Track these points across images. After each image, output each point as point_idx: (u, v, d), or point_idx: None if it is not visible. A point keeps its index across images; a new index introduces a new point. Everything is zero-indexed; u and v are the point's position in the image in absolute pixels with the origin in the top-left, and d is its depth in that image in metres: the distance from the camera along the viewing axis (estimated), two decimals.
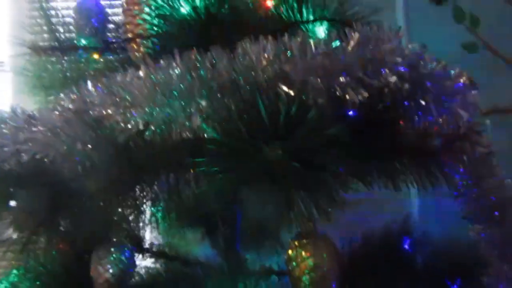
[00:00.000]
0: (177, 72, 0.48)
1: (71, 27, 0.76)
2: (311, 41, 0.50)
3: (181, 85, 0.48)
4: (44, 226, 0.61)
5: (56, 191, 0.60)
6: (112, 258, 0.67)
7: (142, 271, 0.87)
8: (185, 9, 0.67)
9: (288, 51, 0.49)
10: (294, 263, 0.51)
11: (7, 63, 1.12)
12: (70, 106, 0.54)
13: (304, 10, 0.81)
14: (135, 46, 0.68)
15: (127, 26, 0.68)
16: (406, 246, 0.81)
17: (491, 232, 0.78)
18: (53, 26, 0.75)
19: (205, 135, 0.48)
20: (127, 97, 0.51)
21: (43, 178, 0.60)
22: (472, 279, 0.73)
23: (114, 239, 0.69)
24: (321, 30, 0.62)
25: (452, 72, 0.63)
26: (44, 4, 0.79)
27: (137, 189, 0.57)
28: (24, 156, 0.60)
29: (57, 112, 0.55)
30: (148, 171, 0.54)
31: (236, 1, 0.69)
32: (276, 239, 1.06)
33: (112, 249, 0.67)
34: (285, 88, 0.47)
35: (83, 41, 0.74)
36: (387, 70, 0.52)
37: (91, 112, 0.52)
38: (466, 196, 0.84)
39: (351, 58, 0.51)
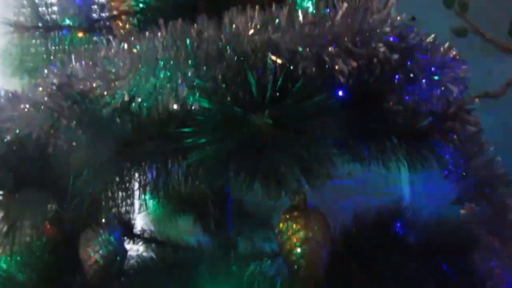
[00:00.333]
0: (162, 42, 0.47)
1: (55, 7, 0.74)
2: (299, 11, 0.49)
3: (166, 55, 0.47)
4: (30, 207, 0.60)
5: (41, 170, 0.58)
6: (101, 240, 0.65)
7: (133, 257, 0.86)
8: None
9: (276, 20, 0.48)
10: (285, 236, 0.51)
11: None
12: (54, 81, 0.52)
13: None
14: (120, 24, 0.67)
15: (112, 3, 0.66)
16: (398, 227, 0.81)
17: (481, 209, 0.79)
18: (37, 6, 0.73)
19: (192, 106, 0.48)
20: (112, 69, 0.50)
21: (28, 157, 0.59)
22: (463, 257, 0.73)
23: (103, 221, 0.67)
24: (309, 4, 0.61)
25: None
26: None
27: (124, 169, 0.56)
28: (7, 135, 0.59)
29: (40, 88, 0.54)
30: (135, 147, 0.53)
31: None
32: (267, 224, 1.06)
33: (101, 231, 0.66)
34: (273, 57, 0.47)
35: (68, 21, 0.73)
36: (376, 40, 0.51)
37: (75, 86, 0.51)
38: (456, 174, 0.84)
39: (339, 27, 0.51)
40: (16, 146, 0.59)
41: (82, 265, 0.69)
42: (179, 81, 0.47)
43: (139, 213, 1.13)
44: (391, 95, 0.63)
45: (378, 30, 0.52)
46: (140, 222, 1.06)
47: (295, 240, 0.50)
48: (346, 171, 0.71)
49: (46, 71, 0.55)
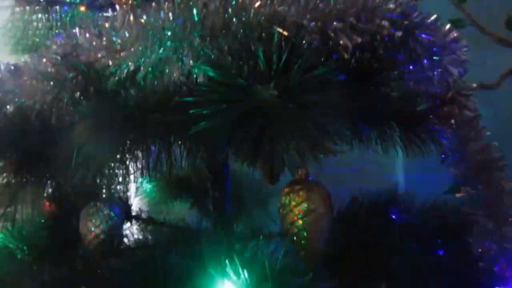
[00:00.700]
0: (169, 12, 0.47)
1: None
2: None
3: (173, 25, 0.47)
4: (31, 180, 0.60)
5: (43, 143, 0.59)
6: (101, 214, 0.66)
7: (131, 237, 0.86)
8: None
9: None
10: (287, 209, 0.51)
11: None
12: (59, 51, 0.52)
13: None
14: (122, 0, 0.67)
15: None
16: (394, 208, 0.82)
17: (477, 192, 0.80)
18: None
19: (198, 77, 0.48)
20: (117, 40, 0.50)
21: (30, 129, 0.59)
22: (458, 237, 0.74)
23: (104, 196, 0.68)
24: None
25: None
26: None
27: (128, 141, 0.56)
28: (10, 107, 0.59)
29: (44, 59, 0.54)
30: (139, 118, 0.53)
31: None
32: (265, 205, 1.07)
33: (101, 206, 0.67)
34: (279, 30, 0.47)
35: None
36: (380, 17, 0.52)
37: (80, 56, 0.51)
38: (453, 158, 0.85)
39: (344, 3, 0.51)
40: (18, 119, 0.59)
41: (82, 240, 0.69)
42: (185, 52, 0.47)
43: (135, 197, 1.14)
44: (393, 75, 0.64)
45: (382, 7, 0.52)
46: (136, 207, 1.06)
47: (297, 212, 0.51)
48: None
49: (49, 42, 0.55)
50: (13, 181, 0.59)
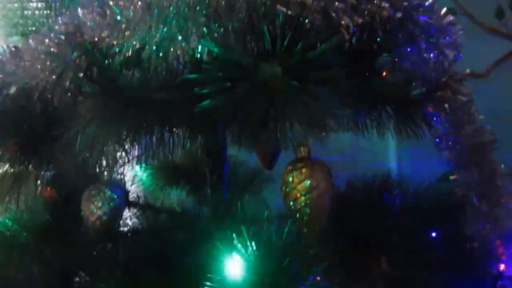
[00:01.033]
0: None
1: None
2: None
3: (179, 3, 0.47)
4: (34, 161, 0.60)
5: (46, 124, 0.59)
6: (103, 196, 0.66)
7: (130, 223, 0.87)
8: None
9: None
10: (290, 186, 0.52)
11: None
12: (62, 29, 0.52)
13: None
14: None
15: None
16: (389, 190, 0.83)
17: (470, 174, 0.82)
18: None
19: (203, 55, 0.48)
20: (122, 18, 0.50)
21: (32, 110, 0.59)
22: (452, 218, 0.76)
23: (106, 178, 0.68)
24: None
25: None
26: None
27: (132, 121, 0.57)
28: (11, 88, 0.59)
29: (47, 39, 0.54)
30: (144, 98, 0.54)
31: None
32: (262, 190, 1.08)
33: (103, 187, 0.67)
34: (283, 9, 0.48)
35: None
36: None
37: (84, 35, 0.51)
38: (447, 142, 0.87)
39: None
40: (20, 100, 0.59)
41: (83, 224, 0.69)
42: (190, 31, 0.48)
43: (132, 184, 1.14)
44: (391, 57, 0.65)
45: None
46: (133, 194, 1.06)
47: (300, 189, 0.52)
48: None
49: (52, 22, 0.55)
50: (16, 163, 0.59)
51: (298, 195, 0.52)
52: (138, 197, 1.02)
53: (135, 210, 0.99)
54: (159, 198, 1.05)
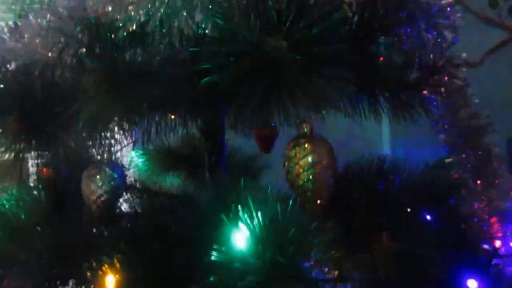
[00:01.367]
0: None
1: None
2: None
3: None
4: (36, 136, 0.60)
5: (47, 100, 0.58)
6: (104, 175, 0.66)
7: (126, 206, 0.86)
8: None
9: None
10: (292, 162, 0.53)
11: None
12: (65, 3, 0.52)
13: None
14: None
15: None
16: (386, 173, 0.84)
17: (466, 157, 0.83)
18: None
19: (207, 30, 0.49)
20: None
21: (34, 87, 0.58)
22: (448, 199, 0.77)
23: (106, 158, 0.68)
24: None
25: None
26: None
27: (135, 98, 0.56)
28: (12, 65, 0.58)
29: (48, 14, 0.54)
30: (146, 75, 0.54)
31: None
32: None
33: (104, 167, 0.67)
34: None
35: None
36: None
37: (87, 10, 0.51)
38: (443, 125, 0.88)
39: None
40: (21, 77, 0.58)
41: (82, 204, 0.69)
42: (194, 5, 0.48)
43: (128, 170, 1.13)
44: (391, 37, 0.65)
45: None
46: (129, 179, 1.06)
47: (302, 164, 0.52)
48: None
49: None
50: (17, 140, 0.59)
51: (301, 170, 0.52)
52: (135, 181, 1.02)
53: (133, 194, 0.99)
54: (156, 182, 1.05)
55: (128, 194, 0.98)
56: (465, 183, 0.79)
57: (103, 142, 0.66)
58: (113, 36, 0.51)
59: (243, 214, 0.45)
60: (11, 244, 0.66)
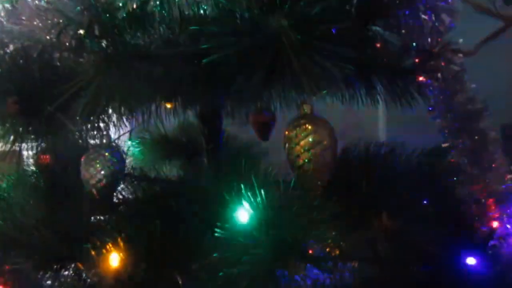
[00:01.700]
0: None
1: None
2: None
3: None
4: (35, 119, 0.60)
5: (46, 82, 0.58)
6: (103, 159, 0.66)
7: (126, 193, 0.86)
8: None
9: None
10: (293, 143, 0.53)
11: None
12: None
13: None
14: None
15: None
16: (384, 156, 0.84)
17: (463, 141, 0.84)
18: None
19: (207, 10, 0.48)
20: None
21: (32, 69, 0.58)
22: (444, 182, 0.78)
23: (105, 142, 0.68)
24: None
25: None
26: None
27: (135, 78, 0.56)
28: (10, 47, 0.58)
29: None
30: (146, 55, 0.54)
31: None
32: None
33: (103, 151, 0.67)
34: None
35: None
36: None
37: None
38: (439, 110, 0.89)
39: None
40: (20, 59, 0.58)
41: (82, 188, 0.69)
42: None
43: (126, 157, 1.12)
44: (391, 20, 0.66)
45: None
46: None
47: (303, 145, 0.52)
48: None
49: None
50: (16, 122, 0.58)
51: (302, 151, 0.52)
52: (133, 169, 1.02)
53: (132, 182, 0.99)
54: (153, 170, 1.05)
55: (127, 183, 0.98)
56: (461, 167, 0.80)
57: (101, 127, 0.66)
58: (113, 16, 0.51)
59: (246, 192, 0.45)
60: (11, 227, 0.66)
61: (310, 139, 0.52)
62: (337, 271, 0.54)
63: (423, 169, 0.80)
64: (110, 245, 0.50)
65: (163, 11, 0.49)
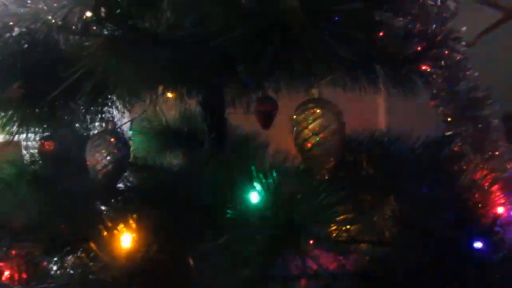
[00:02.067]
0: None
1: None
2: None
3: None
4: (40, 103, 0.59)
5: (51, 65, 0.57)
6: (108, 145, 0.65)
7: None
8: None
9: None
10: (301, 126, 0.53)
11: None
12: None
13: None
14: None
15: None
16: (388, 143, 0.84)
17: (466, 128, 0.84)
18: None
19: None
20: None
21: (37, 53, 0.57)
22: (448, 169, 0.78)
23: (109, 127, 0.67)
24: None
25: None
26: None
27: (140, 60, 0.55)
28: (16, 30, 0.57)
29: None
30: (153, 38, 0.53)
31: None
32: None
33: (108, 136, 0.66)
34: None
35: None
36: None
37: None
38: (442, 98, 0.89)
39: None
40: (25, 42, 0.57)
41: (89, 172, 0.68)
42: None
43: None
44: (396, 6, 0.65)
45: None
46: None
47: (311, 128, 0.52)
48: None
49: None
50: (21, 106, 0.58)
51: (310, 134, 0.52)
52: (135, 158, 1.01)
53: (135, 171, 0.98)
54: (155, 160, 1.05)
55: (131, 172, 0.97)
56: (465, 154, 0.80)
57: (105, 113, 0.66)
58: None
59: (258, 174, 0.45)
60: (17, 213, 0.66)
61: (318, 123, 0.52)
62: (345, 253, 0.54)
63: (428, 157, 0.80)
64: (122, 226, 0.49)
65: None
